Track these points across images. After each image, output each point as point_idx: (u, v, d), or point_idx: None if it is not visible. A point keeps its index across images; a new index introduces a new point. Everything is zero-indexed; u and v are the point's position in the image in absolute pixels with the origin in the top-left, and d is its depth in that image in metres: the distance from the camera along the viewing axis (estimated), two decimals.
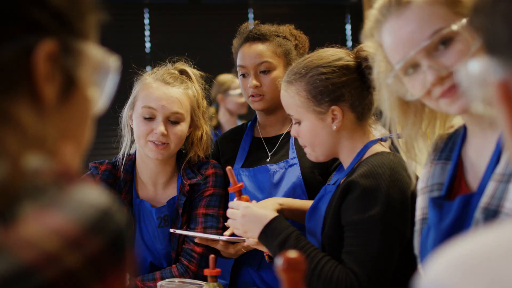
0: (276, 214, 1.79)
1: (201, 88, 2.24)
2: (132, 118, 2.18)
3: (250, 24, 2.34)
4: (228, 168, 1.88)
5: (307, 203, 2.11)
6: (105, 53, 0.73)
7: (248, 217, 1.80)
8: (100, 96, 0.74)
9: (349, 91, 1.76)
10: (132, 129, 2.20)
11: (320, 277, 1.65)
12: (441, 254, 0.61)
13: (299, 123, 1.82)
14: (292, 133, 1.87)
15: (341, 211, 1.71)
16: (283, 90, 1.84)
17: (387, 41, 1.30)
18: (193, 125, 2.21)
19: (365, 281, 1.62)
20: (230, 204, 1.88)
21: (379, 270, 1.64)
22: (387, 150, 1.79)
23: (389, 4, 1.29)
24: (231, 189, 1.88)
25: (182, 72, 2.23)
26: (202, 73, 2.27)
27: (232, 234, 2.03)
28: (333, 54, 1.81)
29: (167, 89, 2.14)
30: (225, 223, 2.08)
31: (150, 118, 2.12)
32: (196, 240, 2.09)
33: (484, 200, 1.22)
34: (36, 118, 0.63)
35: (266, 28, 2.27)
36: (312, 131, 1.79)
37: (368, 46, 1.40)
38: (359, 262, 1.64)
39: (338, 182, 1.82)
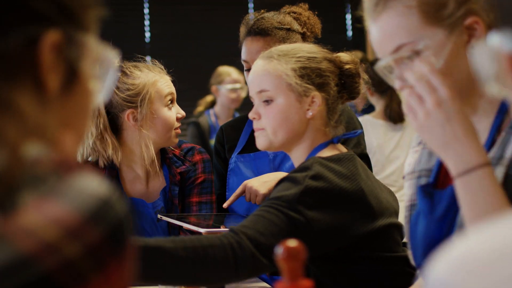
0: None
1: None
2: (143, 121, 2.14)
3: (256, 13, 2.28)
4: None
5: None
6: (106, 47, 0.73)
7: None
8: (100, 89, 0.74)
9: (333, 80, 1.74)
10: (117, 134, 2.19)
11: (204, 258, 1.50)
12: (447, 251, 0.61)
13: (268, 101, 1.73)
14: (251, 115, 1.77)
15: None
16: (264, 63, 1.75)
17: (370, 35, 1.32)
18: None
19: (245, 239, 1.51)
20: None
21: (261, 241, 1.52)
22: (337, 151, 1.74)
23: (368, 6, 1.29)
24: None
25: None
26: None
27: (212, 226, 2.01)
28: (319, 48, 1.80)
29: (166, 75, 2.23)
30: (223, 205, 2.08)
31: (171, 104, 2.20)
32: (184, 228, 2.06)
33: None
34: (38, 107, 0.63)
35: (269, 21, 2.20)
36: (285, 111, 1.72)
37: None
38: (243, 225, 1.55)
39: None
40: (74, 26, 0.68)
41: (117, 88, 2.15)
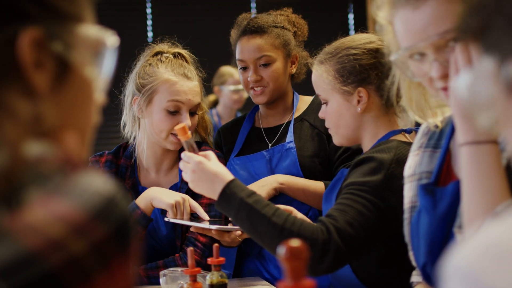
0: (232, 177, 1.67)
1: (197, 71, 2.27)
2: (143, 111, 2.19)
3: (248, 14, 2.33)
4: (190, 249, 1.71)
5: (309, 183, 2.12)
6: (101, 31, 0.72)
7: (198, 173, 1.69)
8: (99, 75, 0.73)
9: (376, 74, 1.77)
10: (139, 119, 2.23)
11: (290, 230, 1.57)
12: (469, 239, 0.61)
13: (326, 103, 1.84)
14: (320, 114, 1.88)
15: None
16: (314, 69, 1.86)
17: (398, 26, 1.28)
18: (200, 110, 2.26)
19: (334, 232, 1.57)
20: (183, 155, 1.74)
21: (351, 233, 1.58)
22: (409, 141, 1.78)
23: None
24: (187, 272, 1.71)
25: (178, 55, 2.26)
26: (193, 56, 2.31)
27: (225, 223, 2.02)
28: (365, 38, 1.84)
29: (190, 83, 2.19)
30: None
31: (175, 112, 2.15)
32: (191, 229, 2.07)
33: None
34: (30, 105, 0.63)
35: (264, 20, 2.26)
36: (337, 112, 1.81)
37: (379, 16, 1.36)
38: (335, 219, 1.60)
39: None
40: (58, 19, 0.66)
41: (139, 73, 2.19)
